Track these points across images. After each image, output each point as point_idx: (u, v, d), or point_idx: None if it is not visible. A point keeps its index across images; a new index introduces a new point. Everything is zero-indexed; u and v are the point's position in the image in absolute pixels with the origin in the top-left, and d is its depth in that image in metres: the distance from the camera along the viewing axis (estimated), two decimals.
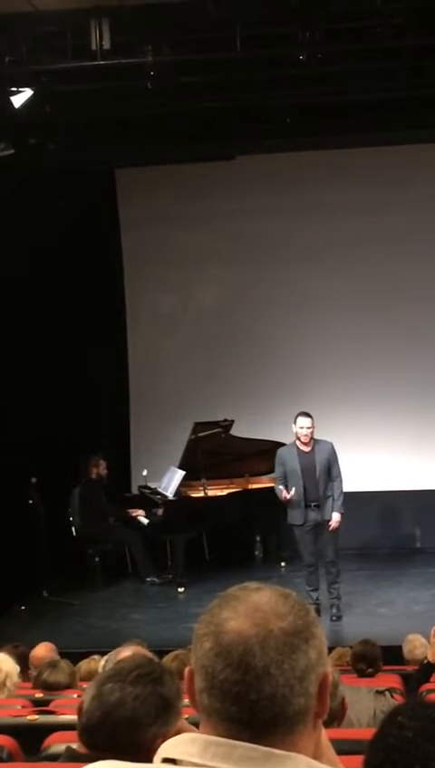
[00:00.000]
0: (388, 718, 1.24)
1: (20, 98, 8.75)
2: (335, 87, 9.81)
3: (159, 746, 1.52)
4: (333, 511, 9.61)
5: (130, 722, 2.45)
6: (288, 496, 9.50)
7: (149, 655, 3.53)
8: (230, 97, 9.98)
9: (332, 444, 9.73)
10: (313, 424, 9.61)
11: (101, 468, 11.95)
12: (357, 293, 12.68)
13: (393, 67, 9.44)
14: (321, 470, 9.61)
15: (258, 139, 11.62)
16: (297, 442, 9.69)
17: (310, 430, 9.60)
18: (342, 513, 9.61)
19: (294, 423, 9.66)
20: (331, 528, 9.62)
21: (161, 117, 10.52)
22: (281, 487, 9.57)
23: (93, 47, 8.05)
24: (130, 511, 11.74)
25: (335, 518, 9.60)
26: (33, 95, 8.76)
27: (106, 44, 8.01)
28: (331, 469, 9.65)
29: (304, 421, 9.62)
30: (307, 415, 9.65)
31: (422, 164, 12.43)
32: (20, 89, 8.72)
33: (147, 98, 9.34)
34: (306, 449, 9.66)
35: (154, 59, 8.34)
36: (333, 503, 9.62)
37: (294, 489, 9.51)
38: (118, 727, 2.45)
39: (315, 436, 9.70)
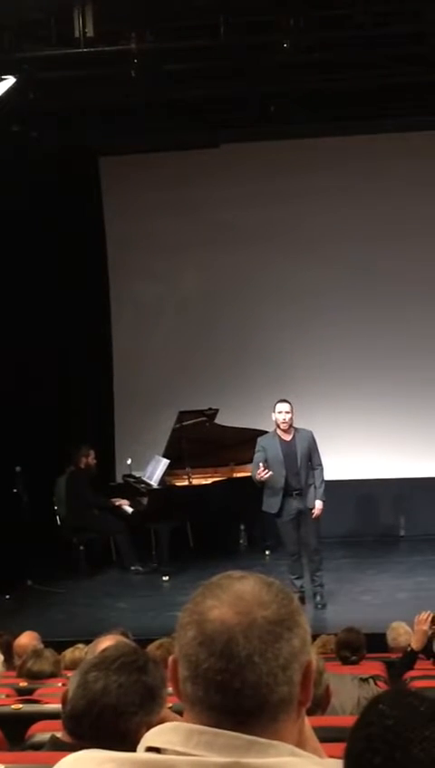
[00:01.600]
0: (369, 706, 1.24)
1: (3, 85, 8.68)
2: (320, 75, 9.80)
3: (143, 735, 1.53)
4: (315, 499, 9.62)
5: (115, 710, 2.45)
6: (265, 476, 9.48)
7: (130, 643, 3.53)
8: (215, 85, 9.95)
9: (311, 432, 9.75)
10: (292, 410, 9.63)
11: (90, 458, 11.92)
12: (341, 281, 12.70)
13: (377, 55, 9.42)
14: (302, 458, 9.62)
15: (243, 127, 11.61)
16: (278, 431, 9.69)
17: (289, 415, 9.61)
18: (324, 501, 9.63)
19: (274, 410, 9.69)
20: (314, 516, 9.63)
21: (146, 105, 10.48)
22: (260, 464, 9.53)
23: (77, 34, 8.01)
24: (114, 500, 11.73)
25: (318, 506, 9.60)
26: (16, 82, 8.71)
27: (90, 32, 7.97)
28: (311, 457, 9.67)
29: (282, 406, 9.64)
30: (286, 401, 9.69)
31: (409, 152, 12.43)
32: (3, 76, 8.67)
33: (131, 86, 9.30)
34: (287, 437, 9.67)
35: (138, 46, 8.30)
36: (316, 491, 9.64)
37: (269, 472, 9.48)
38: (102, 716, 2.45)
39: (298, 425, 9.73)
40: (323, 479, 9.67)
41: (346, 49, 9.15)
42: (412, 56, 9.39)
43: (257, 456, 9.71)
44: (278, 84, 10.03)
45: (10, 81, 8.69)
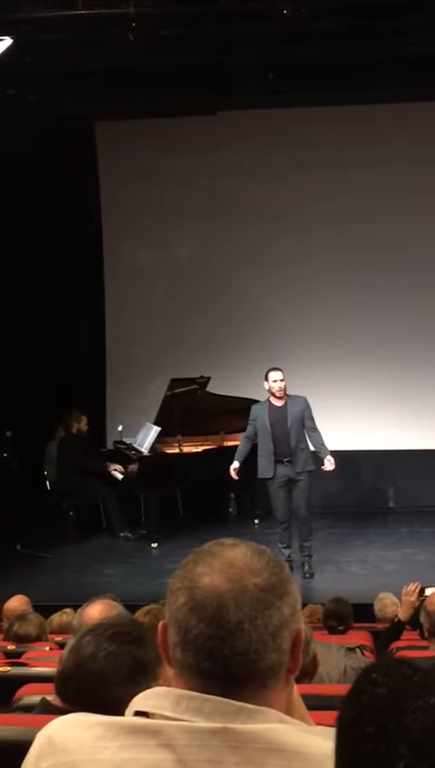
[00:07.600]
0: (362, 675, 1.24)
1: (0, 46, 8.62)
2: (320, 43, 9.71)
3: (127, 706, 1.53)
4: (325, 457, 9.63)
5: (98, 677, 2.43)
6: (235, 467, 9.84)
7: (121, 609, 3.53)
8: (213, 51, 9.86)
9: (305, 398, 9.77)
10: (284, 377, 9.66)
11: (82, 425, 11.96)
12: (334, 251, 12.68)
13: (374, 25, 9.34)
14: (293, 422, 9.61)
15: (241, 94, 11.51)
16: (271, 398, 9.72)
17: (283, 383, 9.64)
18: (329, 458, 9.63)
19: (266, 379, 9.69)
20: (329, 470, 9.64)
21: (143, 70, 10.39)
22: (233, 469, 9.85)
23: None
24: (110, 465, 11.73)
25: (329, 461, 9.61)
26: (12, 44, 8.62)
27: None
28: (306, 421, 9.67)
29: (276, 374, 9.67)
30: (278, 369, 9.71)
31: (402, 123, 12.40)
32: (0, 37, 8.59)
33: (128, 50, 9.20)
34: (279, 403, 9.69)
35: (136, 10, 8.23)
36: (322, 448, 9.66)
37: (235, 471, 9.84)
38: (85, 680, 2.45)
39: (289, 393, 9.74)
40: (323, 442, 9.70)
41: (346, 17, 9.06)
42: (409, 28, 9.31)
43: (249, 428, 9.86)
44: (278, 52, 9.94)
45: (6, 42, 8.60)
